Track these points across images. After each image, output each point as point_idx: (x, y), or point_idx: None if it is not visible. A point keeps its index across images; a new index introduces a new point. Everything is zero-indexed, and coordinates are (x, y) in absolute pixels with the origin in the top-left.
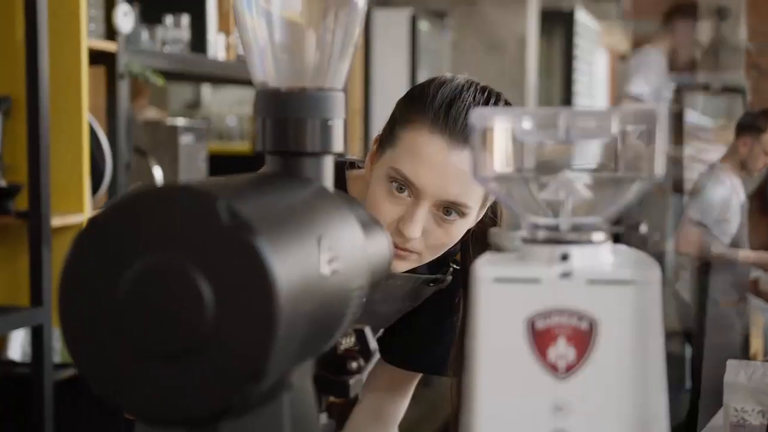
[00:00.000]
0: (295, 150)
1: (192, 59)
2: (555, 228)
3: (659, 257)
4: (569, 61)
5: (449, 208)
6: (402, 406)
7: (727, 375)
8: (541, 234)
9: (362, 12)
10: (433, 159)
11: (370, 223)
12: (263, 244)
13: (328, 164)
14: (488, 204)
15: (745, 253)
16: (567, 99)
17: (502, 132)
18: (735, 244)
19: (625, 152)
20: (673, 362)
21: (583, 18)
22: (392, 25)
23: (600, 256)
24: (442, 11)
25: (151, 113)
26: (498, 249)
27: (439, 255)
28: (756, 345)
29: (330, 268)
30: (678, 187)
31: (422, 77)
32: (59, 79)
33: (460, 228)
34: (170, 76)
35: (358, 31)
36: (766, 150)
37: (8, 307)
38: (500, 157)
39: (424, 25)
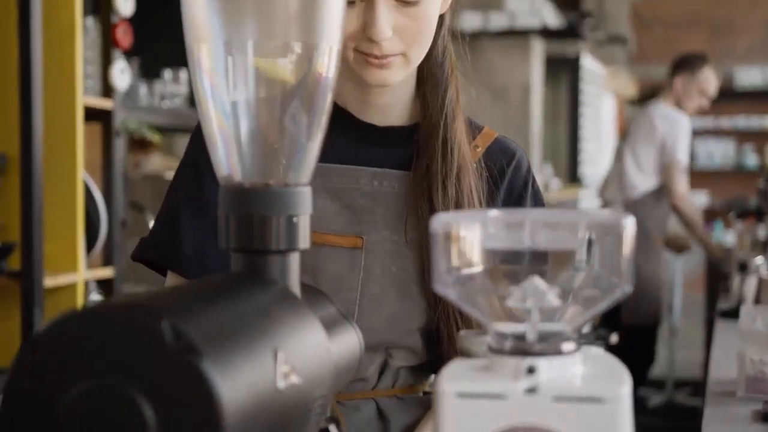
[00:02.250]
0: (260, 248)
1: (190, 114)
2: (522, 337)
3: None
4: (575, 106)
5: None
6: None
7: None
8: (507, 344)
9: (329, 100)
10: None
11: (337, 321)
12: (209, 366)
13: (294, 262)
14: None
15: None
16: (573, 144)
17: (466, 237)
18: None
19: (596, 261)
20: None
21: (589, 63)
22: None
23: (569, 368)
24: None
25: (156, 161)
26: (466, 354)
27: (425, 50)
28: None
29: (287, 381)
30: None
31: None
32: (54, 137)
33: (428, 9)
34: (168, 130)
35: (325, 119)
36: (700, 88)
37: (0, 369)
38: (464, 263)
39: None
